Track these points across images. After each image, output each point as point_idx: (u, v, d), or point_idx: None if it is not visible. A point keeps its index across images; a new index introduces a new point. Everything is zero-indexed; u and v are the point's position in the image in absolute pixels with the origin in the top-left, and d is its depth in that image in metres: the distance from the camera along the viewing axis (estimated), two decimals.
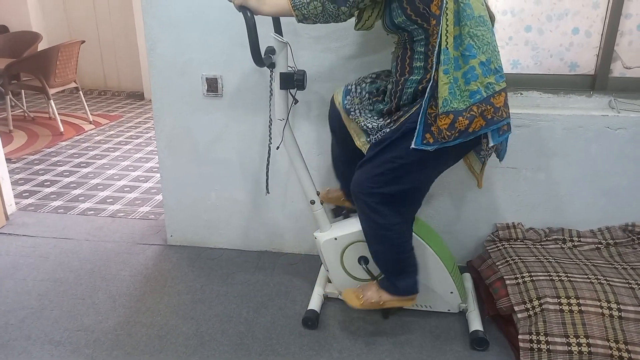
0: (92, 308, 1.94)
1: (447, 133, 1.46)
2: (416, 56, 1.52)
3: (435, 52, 1.42)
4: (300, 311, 1.92)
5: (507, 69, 2.06)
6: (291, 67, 1.71)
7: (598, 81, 2.04)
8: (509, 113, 1.50)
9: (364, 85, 1.72)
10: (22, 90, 4.81)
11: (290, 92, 1.75)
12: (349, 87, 1.75)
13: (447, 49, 1.41)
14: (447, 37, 1.40)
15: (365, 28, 1.72)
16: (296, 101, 1.77)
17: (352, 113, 1.69)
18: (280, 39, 1.63)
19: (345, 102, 1.72)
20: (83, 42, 4.47)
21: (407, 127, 1.51)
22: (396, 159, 1.54)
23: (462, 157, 1.69)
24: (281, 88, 1.70)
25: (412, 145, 1.47)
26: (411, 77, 1.53)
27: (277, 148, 1.83)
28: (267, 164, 1.95)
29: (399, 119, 1.56)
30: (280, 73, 1.68)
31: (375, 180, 1.56)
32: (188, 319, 1.89)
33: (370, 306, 1.75)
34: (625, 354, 1.55)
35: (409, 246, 1.69)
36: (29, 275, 2.16)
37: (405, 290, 1.72)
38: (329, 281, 2.02)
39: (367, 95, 1.71)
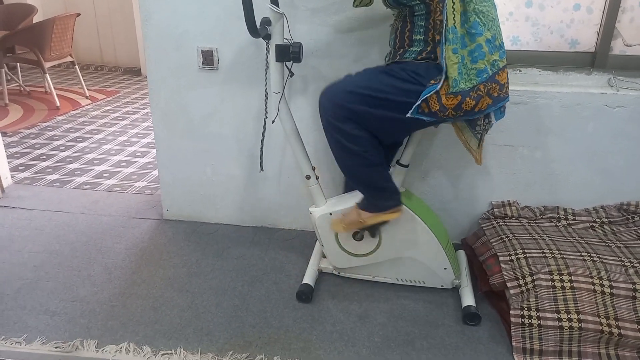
0: (88, 280, 1.95)
1: (453, 112, 1.45)
2: (416, 29, 1.50)
3: (444, 31, 1.39)
4: (295, 285, 1.93)
5: (507, 45, 2.03)
6: (287, 39, 1.68)
7: (598, 59, 2.01)
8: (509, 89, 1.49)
9: None
10: (18, 64, 4.76)
11: (286, 65, 1.74)
12: None
13: (455, 27, 1.38)
14: (454, 15, 1.38)
15: (363, 4, 1.69)
16: (292, 74, 1.75)
17: None
18: (276, 10, 1.60)
19: None
20: (79, 14, 4.41)
21: (409, 76, 1.47)
22: (384, 92, 1.49)
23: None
24: (277, 60, 1.68)
25: (408, 114, 1.46)
26: (410, 49, 1.51)
27: (273, 122, 1.82)
28: (262, 139, 1.94)
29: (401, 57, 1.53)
30: (275, 45, 1.65)
31: (353, 97, 1.50)
32: (183, 291, 1.90)
33: (354, 226, 1.75)
34: (615, 330, 1.56)
35: (379, 160, 1.62)
36: (25, 247, 2.16)
37: (384, 206, 1.69)
38: (324, 256, 2.03)
39: None
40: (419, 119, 1.47)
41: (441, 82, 1.42)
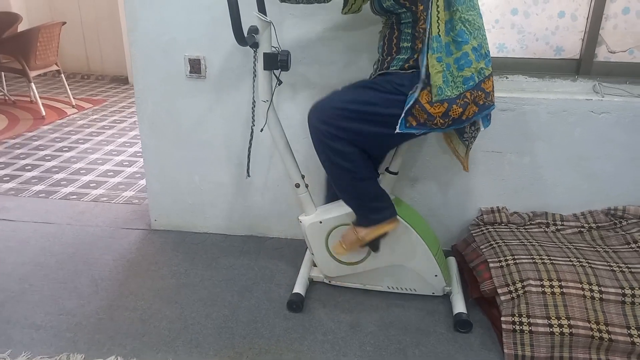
0: (74, 292, 1.92)
1: (441, 121, 1.45)
2: (403, 37, 1.50)
3: (426, 39, 1.40)
4: (285, 295, 1.91)
5: (493, 52, 2.05)
6: (275, 48, 1.68)
7: (583, 65, 2.04)
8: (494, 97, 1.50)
9: None
10: (2, 73, 4.70)
11: (274, 73, 1.73)
12: None
13: (439, 35, 1.38)
14: (438, 23, 1.38)
15: (352, 12, 1.70)
16: (280, 82, 1.74)
17: None
18: (264, 18, 1.60)
19: None
20: (64, 23, 4.37)
21: (394, 88, 1.48)
22: (371, 106, 1.50)
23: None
24: (265, 69, 1.67)
25: (397, 130, 1.46)
26: (398, 56, 1.51)
27: (261, 130, 1.81)
28: (249, 147, 1.93)
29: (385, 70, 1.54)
30: (263, 53, 1.65)
31: (340, 113, 1.51)
32: (172, 302, 1.88)
33: (354, 245, 1.74)
34: (605, 335, 1.57)
35: (368, 173, 1.62)
36: (9, 258, 2.12)
37: (377, 219, 1.69)
38: (314, 265, 2.02)
39: None
40: (409, 133, 1.47)
41: (418, 91, 1.43)
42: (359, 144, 1.55)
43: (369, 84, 1.54)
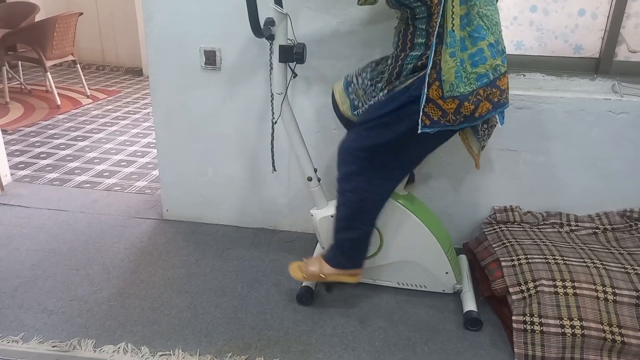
0: (86, 279, 1.94)
1: (453, 117, 1.43)
2: (418, 32, 1.49)
3: (436, 33, 1.38)
4: (295, 287, 1.91)
5: (510, 49, 2.03)
6: (291, 40, 1.67)
7: (602, 64, 2.01)
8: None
9: (364, 74, 1.70)
10: (19, 62, 4.75)
11: (289, 66, 1.73)
12: (349, 79, 1.73)
13: (454, 30, 1.37)
14: (453, 18, 1.36)
15: (368, 3, 1.68)
16: (295, 75, 1.74)
17: (359, 110, 1.68)
18: (280, 10, 1.59)
19: (352, 97, 1.73)
20: (81, 14, 4.40)
21: (406, 98, 1.48)
22: (391, 116, 1.51)
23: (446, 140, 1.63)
24: (280, 61, 1.67)
25: (419, 131, 1.45)
26: (412, 53, 1.50)
27: (275, 122, 1.81)
28: (272, 140, 1.92)
29: (394, 88, 1.53)
30: (279, 45, 1.65)
31: (366, 133, 1.56)
32: (182, 292, 1.89)
33: (312, 279, 1.79)
34: (618, 337, 1.55)
35: (369, 232, 1.69)
36: (23, 245, 2.15)
37: (347, 265, 1.73)
38: None
39: (369, 82, 1.67)
40: (428, 133, 1.46)
41: (425, 88, 1.41)
42: (390, 164, 1.60)
43: (386, 100, 1.54)
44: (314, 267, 1.76)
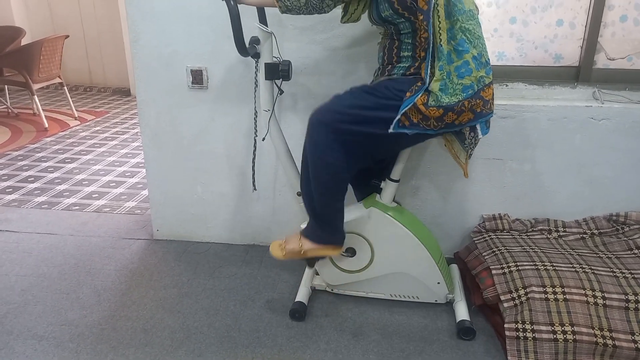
0: (77, 302, 1.92)
1: (435, 123, 1.47)
2: (404, 46, 1.52)
3: (429, 50, 1.43)
4: (288, 304, 1.91)
5: (492, 60, 2.07)
6: (276, 58, 1.70)
7: (582, 72, 2.05)
8: (494, 105, 1.52)
9: None
10: (6, 86, 4.73)
11: (275, 83, 1.75)
12: None
13: (442, 45, 1.41)
14: (440, 33, 1.40)
15: (351, 21, 1.71)
16: (281, 92, 1.76)
17: None
18: (265, 29, 1.62)
19: None
20: (67, 36, 4.42)
21: (393, 94, 1.49)
22: (369, 110, 1.51)
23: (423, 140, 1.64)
24: (266, 78, 1.69)
25: (390, 130, 1.48)
26: (398, 65, 1.53)
27: (263, 139, 1.82)
28: (253, 158, 1.94)
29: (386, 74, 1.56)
30: (265, 63, 1.67)
31: (340, 116, 1.52)
32: (174, 312, 1.87)
33: (293, 256, 1.73)
34: (609, 341, 1.56)
35: (340, 196, 1.63)
36: (12, 270, 2.13)
37: (327, 239, 1.69)
38: (317, 273, 2.01)
39: None
40: (402, 133, 1.49)
41: (419, 94, 1.45)
42: (354, 147, 1.55)
43: (369, 90, 1.55)
44: (294, 245, 1.72)
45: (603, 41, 2.03)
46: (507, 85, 2.07)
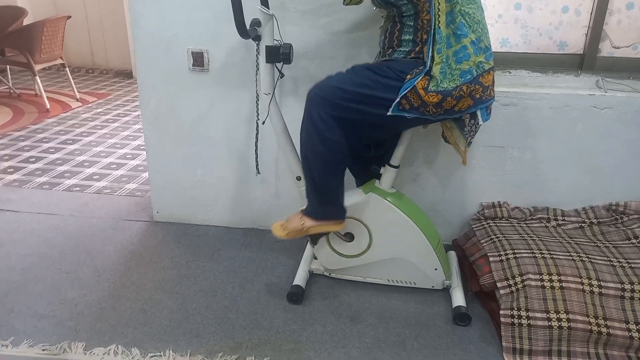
0: (77, 282, 1.94)
1: (433, 110, 1.46)
2: (405, 29, 1.51)
3: (431, 33, 1.41)
4: (286, 287, 1.92)
5: (496, 47, 2.05)
6: (277, 41, 1.68)
7: (586, 60, 2.03)
8: (494, 91, 1.51)
9: None
10: (7, 66, 4.72)
11: (276, 66, 1.74)
12: None
13: (440, 27, 1.40)
14: (439, 15, 1.39)
15: (353, 3, 1.70)
16: (282, 75, 1.75)
17: None
18: (266, 11, 1.60)
19: None
20: (69, 17, 4.39)
21: (394, 74, 1.49)
22: (369, 89, 1.50)
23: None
24: (267, 61, 1.68)
25: (389, 112, 1.47)
26: (399, 49, 1.52)
27: (263, 123, 1.82)
28: (256, 141, 1.93)
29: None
30: (266, 46, 1.66)
31: (340, 93, 1.51)
32: (173, 293, 1.89)
33: (295, 234, 1.74)
34: (604, 329, 1.57)
35: (340, 170, 1.63)
36: (13, 250, 2.14)
37: (328, 215, 1.69)
38: (315, 257, 2.03)
39: None
40: (401, 116, 1.48)
41: (419, 77, 1.44)
42: (353, 126, 1.55)
43: (371, 67, 1.54)
44: (295, 223, 1.72)
45: (608, 29, 2.01)
46: (510, 73, 2.05)
